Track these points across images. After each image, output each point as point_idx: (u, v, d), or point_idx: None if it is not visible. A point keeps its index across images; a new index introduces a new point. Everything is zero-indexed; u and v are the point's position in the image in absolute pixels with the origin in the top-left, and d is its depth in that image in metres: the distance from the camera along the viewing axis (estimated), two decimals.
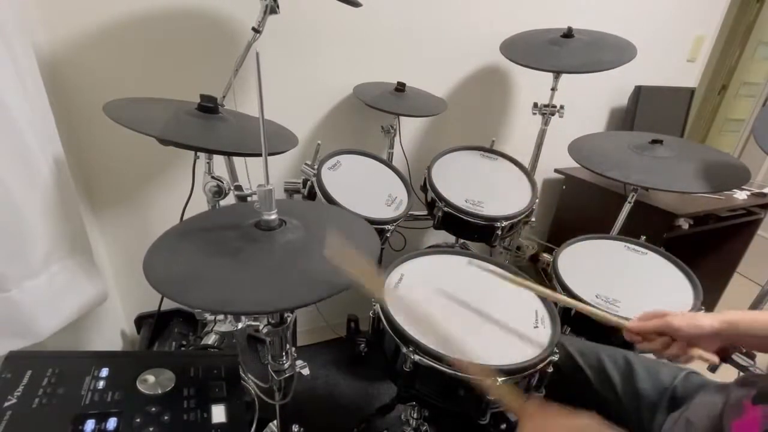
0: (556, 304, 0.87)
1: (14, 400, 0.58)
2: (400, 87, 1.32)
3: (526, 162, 1.44)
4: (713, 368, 0.82)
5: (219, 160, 0.97)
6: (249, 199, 1.04)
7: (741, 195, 1.76)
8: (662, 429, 0.70)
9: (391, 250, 1.43)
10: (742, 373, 0.93)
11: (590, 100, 1.89)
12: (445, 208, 1.18)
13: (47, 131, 0.85)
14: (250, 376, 0.82)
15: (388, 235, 1.10)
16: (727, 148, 2.75)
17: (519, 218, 1.20)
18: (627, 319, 0.73)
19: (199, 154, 0.96)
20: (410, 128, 1.53)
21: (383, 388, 1.52)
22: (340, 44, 1.30)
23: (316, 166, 1.09)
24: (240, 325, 1.07)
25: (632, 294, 0.99)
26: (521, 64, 1.33)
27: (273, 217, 0.62)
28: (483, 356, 0.72)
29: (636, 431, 0.74)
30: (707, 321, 0.62)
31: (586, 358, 0.83)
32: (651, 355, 0.72)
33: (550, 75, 1.36)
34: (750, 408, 0.55)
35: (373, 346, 1.61)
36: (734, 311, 0.64)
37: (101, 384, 0.64)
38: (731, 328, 0.62)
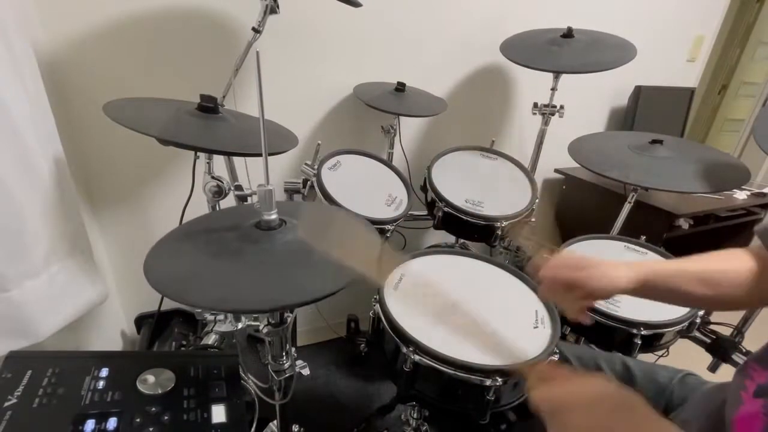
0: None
1: (14, 400, 0.58)
2: (400, 87, 1.32)
3: (526, 162, 1.44)
4: (713, 368, 0.83)
5: (219, 160, 0.96)
6: (249, 199, 1.04)
7: (741, 195, 1.76)
8: None
9: None
10: None
11: (590, 100, 1.89)
12: (445, 208, 1.18)
13: (47, 131, 0.85)
14: (250, 376, 0.82)
15: (388, 235, 1.10)
16: (727, 148, 2.75)
17: (519, 218, 1.20)
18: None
19: (199, 154, 0.96)
20: (410, 128, 1.53)
21: (383, 388, 1.52)
22: (340, 44, 1.30)
23: (316, 166, 1.09)
24: (240, 325, 1.07)
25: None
26: (521, 64, 1.33)
27: (273, 217, 0.62)
28: (483, 356, 0.72)
29: None
30: (625, 283, 0.61)
31: (584, 364, 0.83)
32: (650, 359, 0.71)
33: (550, 75, 1.36)
34: (750, 401, 0.54)
35: (373, 346, 1.61)
36: (648, 264, 0.62)
37: (101, 384, 0.63)
38: (648, 287, 0.61)
